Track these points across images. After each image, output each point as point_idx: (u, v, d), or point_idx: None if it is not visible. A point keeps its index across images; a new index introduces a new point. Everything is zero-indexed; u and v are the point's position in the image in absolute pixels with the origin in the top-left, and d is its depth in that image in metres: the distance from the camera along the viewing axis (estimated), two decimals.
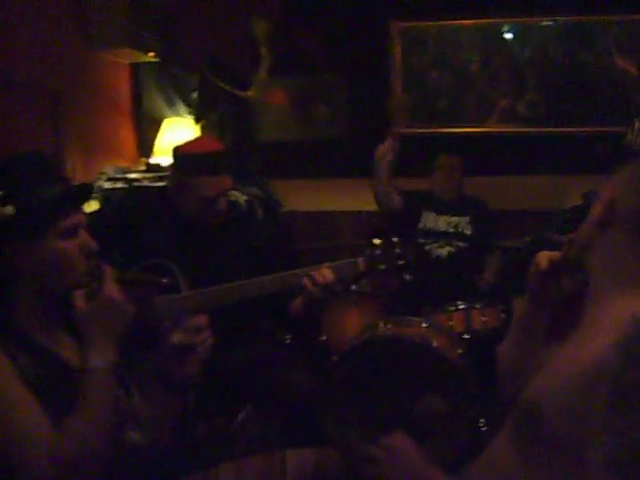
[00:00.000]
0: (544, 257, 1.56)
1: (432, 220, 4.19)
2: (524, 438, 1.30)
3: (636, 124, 2.38)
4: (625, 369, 1.12)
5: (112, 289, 1.53)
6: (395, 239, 2.43)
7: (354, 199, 4.66)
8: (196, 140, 2.86)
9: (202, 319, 1.63)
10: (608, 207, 1.32)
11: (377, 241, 2.43)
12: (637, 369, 1.11)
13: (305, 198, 4.71)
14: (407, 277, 2.43)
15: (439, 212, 4.19)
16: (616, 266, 1.31)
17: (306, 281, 2.42)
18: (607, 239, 1.33)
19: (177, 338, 1.59)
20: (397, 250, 2.42)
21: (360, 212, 4.64)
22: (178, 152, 2.67)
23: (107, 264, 1.59)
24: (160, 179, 3.74)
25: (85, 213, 1.66)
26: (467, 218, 4.17)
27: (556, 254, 1.53)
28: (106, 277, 1.54)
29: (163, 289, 1.80)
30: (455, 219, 4.18)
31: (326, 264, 2.46)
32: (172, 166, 2.72)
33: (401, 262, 2.42)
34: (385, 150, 3.78)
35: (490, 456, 1.40)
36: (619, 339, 1.16)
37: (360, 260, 2.45)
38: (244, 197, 4.04)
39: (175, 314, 1.72)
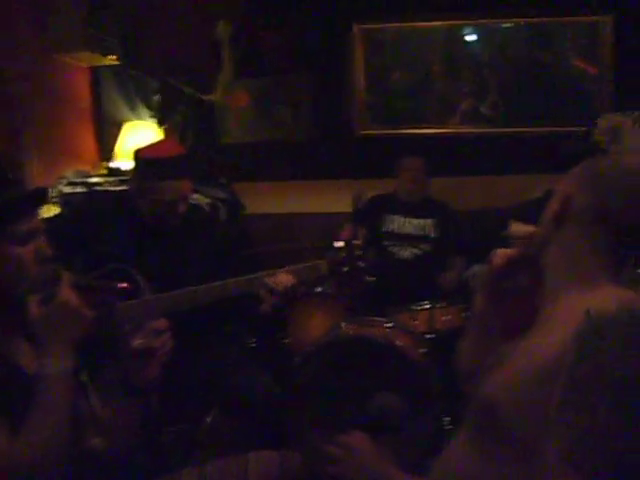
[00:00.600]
0: (500, 254, 1.58)
1: (397, 223, 4.22)
2: (482, 434, 1.31)
3: (601, 123, 2.41)
4: (579, 363, 1.14)
5: (68, 294, 1.51)
6: (356, 241, 2.45)
7: (318, 201, 4.67)
8: (157, 144, 2.84)
9: (162, 323, 1.62)
10: (563, 203, 1.34)
11: (338, 243, 2.44)
12: (590, 363, 1.13)
13: (269, 200, 4.70)
14: (369, 278, 2.44)
15: (404, 214, 4.22)
16: (571, 262, 1.33)
17: (264, 293, 2.42)
18: (562, 235, 1.35)
19: (137, 342, 1.58)
20: (358, 252, 2.43)
21: (324, 214, 4.64)
22: (139, 156, 2.65)
23: (65, 269, 1.58)
24: (121, 183, 3.72)
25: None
26: (431, 220, 4.21)
27: (512, 251, 1.55)
28: (62, 282, 1.52)
29: (122, 294, 1.78)
30: (420, 221, 4.21)
31: (287, 267, 2.46)
32: (133, 170, 2.70)
33: (362, 264, 2.43)
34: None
35: (450, 453, 1.41)
36: (573, 334, 1.17)
37: (322, 263, 2.46)
38: (207, 200, 4.04)
39: (135, 319, 1.71)
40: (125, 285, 1.76)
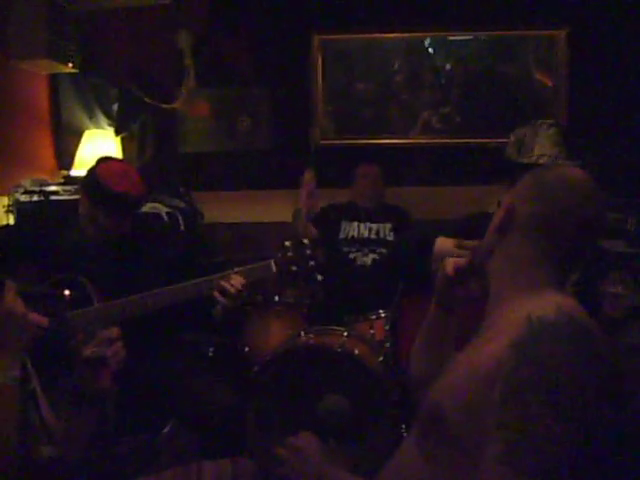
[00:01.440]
0: (450, 263, 1.61)
1: (354, 228, 4.25)
2: (428, 439, 1.33)
3: (511, 136, 2.47)
4: (518, 367, 1.17)
5: (12, 303, 1.49)
6: (305, 240, 2.46)
7: (278, 210, 4.68)
8: (118, 175, 2.66)
9: (113, 331, 1.62)
10: (507, 213, 1.38)
11: (288, 243, 2.45)
12: (529, 367, 1.16)
13: (228, 210, 4.70)
14: (319, 277, 2.45)
15: (360, 220, 4.26)
16: (514, 270, 1.36)
17: (216, 293, 2.43)
18: (506, 244, 1.38)
19: (88, 351, 1.57)
20: (308, 251, 2.44)
21: (284, 223, 4.64)
22: (95, 178, 2.52)
23: (11, 278, 1.56)
24: (78, 192, 3.67)
25: None
26: (389, 225, 4.25)
27: (462, 260, 1.58)
28: (7, 291, 1.50)
29: (71, 303, 1.77)
30: (377, 226, 4.25)
31: (237, 269, 2.47)
32: (83, 188, 2.61)
33: (312, 263, 2.44)
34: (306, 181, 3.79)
35: (399, 458, 1.43)
36: (514, 339, 1.20)
37: (271, 262, 2.47)
38: (166, 209, 4.03)
39: (86, 327, 1.70)
40: (69, 293, 1.75)
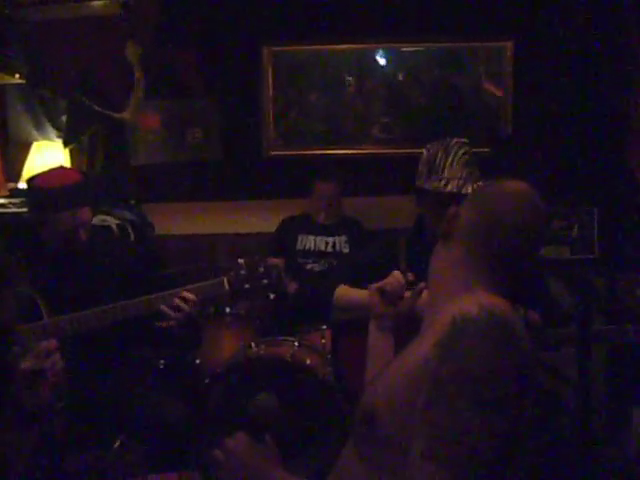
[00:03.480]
0: (397, 275, 1.67)
1: (311, 242, 4.30)
2: (363, 441, 1.35)
3: (424, 153, 2.51)
4: (442, 364, 1.21)
5: None
6: (257, 257, 2.47)
7: (229, 222, 4.68)
8: (50, 173, 2.67)
9: (51, 343, 1.61)
10: (451, 220, 1.43)
11: (241, 260, 2.46)
12: (452, 363, 1.20)
13: (179, 221, 4.67)
14: (271, 296, 2.46)
15: (317, 234, 4.30)
16: (451, 276, 1.41)
17: (165, 309, 2.42)
18: (447, 250, 1.43)
19: (26, 364, 1.56)
20: (261, 269, 2.45)
21: (236, 235, 4.66)
22: (32, 186, 2.60)
23: None
24: (24, 205, 3.63)
25: None
26: (344, 237, 4.30)
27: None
28: None
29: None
30: (333, 239, 4.30)
31: (190, 286, 2.47)
32: (27, 200, 2.65)
33: (265, 281, 2.45)
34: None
35: (340, 463, 1.45)
36: (439, 338, 1.24)
37: (224, 279, 2.47)
38: (116, 221, 4.00)
39: (23, 342, 1.69)
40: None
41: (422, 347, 1.28)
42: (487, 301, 1.29)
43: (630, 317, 2.93)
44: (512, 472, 1.19)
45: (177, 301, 2.43)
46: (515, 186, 1.45)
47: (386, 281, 1.80)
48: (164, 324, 2.44)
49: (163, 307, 2.43)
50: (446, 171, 2.36)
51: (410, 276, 1.81)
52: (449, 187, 2.32)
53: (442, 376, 1.19)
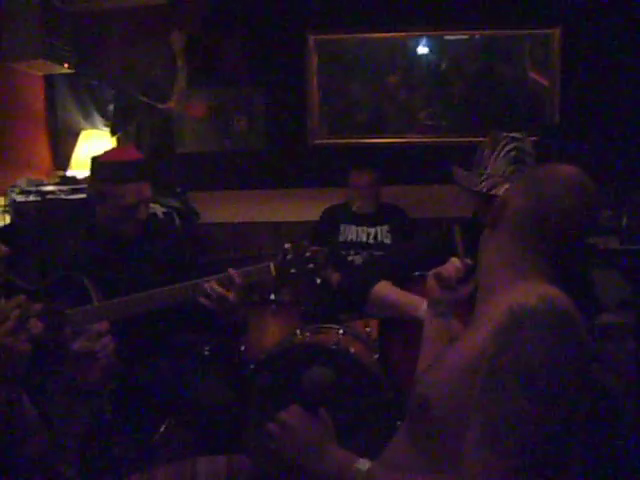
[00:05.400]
0: (454, 262, 1.68)
1: (352, 232, 4.28)
2: (417, 429, 1.35)
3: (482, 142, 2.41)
4: (500, 353, 1.20)
5: (9, 337, 1.46)
6: (305, 243, 2.46)
7: (273, 210, 4.70)
8: (114, 149, 2.84)
9: (102, 325, 1.63)
10: (500, 208, 1.40)
11: (287, 245, 2.45)
12: (509, 352, 1.19)
13: (224, 209, 4.72)
14: (318, 280, 2.45)
15: (358, 224, 4.29)
16: (502, 262, 1.39)
17: (203, 299, 2.42)
18: (497, 237, 1.41)
19: (77, 345, 1.59)
20: (307, 254, 2.44)
21: (280, 223, 4.67)
22: (97, 161, 2.65)
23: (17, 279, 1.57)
24: (75, 192, 3.69)
25: None
26: (386, 227, 4.28)
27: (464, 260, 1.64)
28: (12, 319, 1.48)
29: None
30: (374, 229, 4.27)
31: (236, 270, 2.46)
32: (91, 175, 2.69)
33: (311, 265, 2.44)
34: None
35: (391, 448, 1.44)
36: (496, 327, 1.23)
37: (271, 264, 2.47)
38: (162, 209, 4.04)
39: (76, 324, 1.72)
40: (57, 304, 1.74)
41: (478, 336, 1.27)
42: (544, 290, 1.27)
43: None
44: (567, 465, 1.17)
45: (220, 284, 2.41)
46: (565, 170, 1.41)
47: (443, 266, 1.79)
48: (209, 305, 2.43)
49: (208, 286, 2.42)
50: (489, 167, 2.29)
51: (468, 261, 1.78)
52: (482, 185, 2.24)
53: (500, 365, 1.18)
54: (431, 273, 1.77)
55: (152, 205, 3.92)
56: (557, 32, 4.60)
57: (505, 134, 2.31)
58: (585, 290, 2.43)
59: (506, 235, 1.39)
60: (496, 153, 2.27)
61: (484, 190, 2.19)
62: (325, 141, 4.81)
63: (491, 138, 2.34)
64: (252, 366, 2.99)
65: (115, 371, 1.78)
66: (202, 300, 2.41)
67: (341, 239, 4.29)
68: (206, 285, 2.41)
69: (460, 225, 1.87)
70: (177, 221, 4.08)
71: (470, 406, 1.19)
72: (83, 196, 3.54)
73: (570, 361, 1.18)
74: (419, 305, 2.20)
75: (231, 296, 2.40)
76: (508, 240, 1.39)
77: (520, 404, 1.14)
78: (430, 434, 1.30)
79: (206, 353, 3.49)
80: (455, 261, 1.80)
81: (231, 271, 2.43)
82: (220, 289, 2.40)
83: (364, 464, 1.33)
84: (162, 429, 2.82)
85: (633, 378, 1.98)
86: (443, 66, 4.84)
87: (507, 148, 2.27)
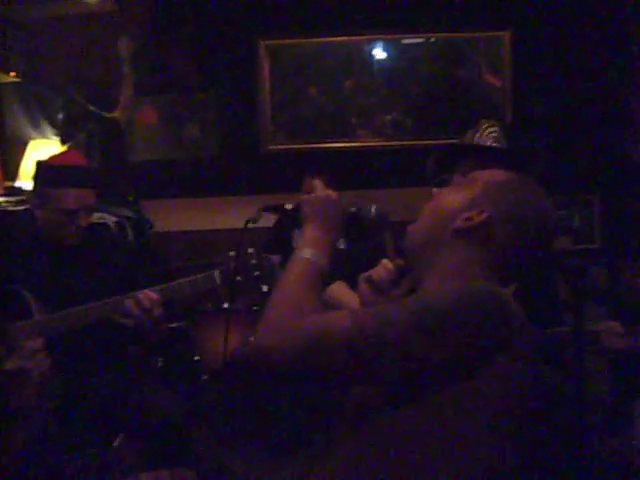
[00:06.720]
0: (386, 264, 1.64)
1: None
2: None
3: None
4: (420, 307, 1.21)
5: None
6: (251, 250, 2.43)
7: (227, 217, 4.65)
8: (60, 154, 2.82)
9: (37, 342, 1.59)
10: (466, 219, 1.38)
11: (232, 253, 2.42)
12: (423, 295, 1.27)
13: (178, 218, 4.67)
14: (264, 288, 2.42)
15: None
16: (457, 270, 1.35)
17: (129, 306, 2.37)
18: (448, 244, 1.38)
19: (10, 364, 1.54)
20: (253, 261, 2.42)
21: (234, 230, 4.63)
22: (41, 164, 2.64)
23: None
24: (21, 203, 3.62)
25: None
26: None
27: (398, 261, 1.61)
28: None
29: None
30: None
31: (182, 280, 2.43)
32: (34, 179, 2.65)
33: (257, 273, 2.42)
34: None
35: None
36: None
37: (215, 272, 2.44)
38: (114, 218, 3.98)
39: (10, 340, 1.67)
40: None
41: None
42: (481, 282, 1.27)
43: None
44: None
45: (140, 300, 2.36)
46: (512, 178, 1.40)
47: (374, 269, 1.77)
48: (130, 322, 2.37)
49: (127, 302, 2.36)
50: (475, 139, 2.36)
51: (400, 262, 1.76)
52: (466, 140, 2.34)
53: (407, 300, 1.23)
54: (362, 277, 1.75)
55: (103, 215, 3.88)
56: (508, 35, 4.65)
57: (485, 120, 2.41)
58: (547, 299, 2.44)
59: (460, 241, 1.36)
60: (479, 134, 2.36)
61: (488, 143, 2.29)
62: (279, 147, 4.78)
63: (473, 126, 2.42)
64: (205, 377, 2.95)
65: (53, 388, 1.73)
66: (121, 320, 2.37)
67: (294, 245, 4.27)
68: (126, 302, 2.36)
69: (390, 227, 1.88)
70: (129, 230, 4.02)
71: None
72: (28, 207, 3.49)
73: (469, 321, 1.16)
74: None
75: (147, 317, 2.36)
76: (460, 246, 1.35)
77: (402, 317, 1.16)
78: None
79: (159, 364, 3.44)
80: (385, 263, 1.78)
81: (147, 292, 2.38)
82: (136, 310, 2.35)
83: (307, 253, 1.44)
84: (115, 444, 2.77)
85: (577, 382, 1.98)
86: (400, 69, 4.85)
87: (490, 129, 2.37)
